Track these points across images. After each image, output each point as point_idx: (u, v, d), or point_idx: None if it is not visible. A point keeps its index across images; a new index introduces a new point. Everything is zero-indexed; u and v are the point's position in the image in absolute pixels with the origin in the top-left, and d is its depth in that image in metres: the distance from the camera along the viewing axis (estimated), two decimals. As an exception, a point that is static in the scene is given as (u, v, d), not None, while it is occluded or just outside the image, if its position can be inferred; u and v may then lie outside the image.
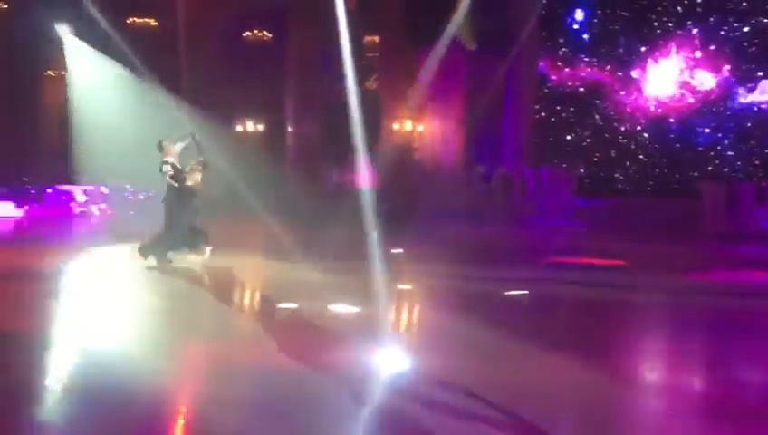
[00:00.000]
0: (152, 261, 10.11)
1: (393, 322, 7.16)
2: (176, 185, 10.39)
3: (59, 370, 5.45)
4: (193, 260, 10.51)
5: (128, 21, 18.69)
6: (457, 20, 19.37)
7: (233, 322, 7.52)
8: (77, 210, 19.25)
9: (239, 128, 21.10)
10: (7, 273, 9.70)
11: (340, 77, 19.40)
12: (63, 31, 19.71)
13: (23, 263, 10.58)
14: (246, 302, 8.81)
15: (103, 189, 19.49)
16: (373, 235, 11.57)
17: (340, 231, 11.95)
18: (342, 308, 7.28)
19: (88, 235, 16.23)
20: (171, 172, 10.34)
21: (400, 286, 8.76)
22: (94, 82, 19.98)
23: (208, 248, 10.56)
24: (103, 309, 7.66)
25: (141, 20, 19.38)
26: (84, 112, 19.60)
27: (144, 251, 10.30)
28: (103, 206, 19.49)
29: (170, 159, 10.30)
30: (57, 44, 20.16)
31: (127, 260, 10.76)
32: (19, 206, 18.81)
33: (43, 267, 10.04)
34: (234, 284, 9.50)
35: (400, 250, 11.71)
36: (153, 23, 19.76)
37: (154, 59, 18.04)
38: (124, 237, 12.74)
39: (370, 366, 5.36)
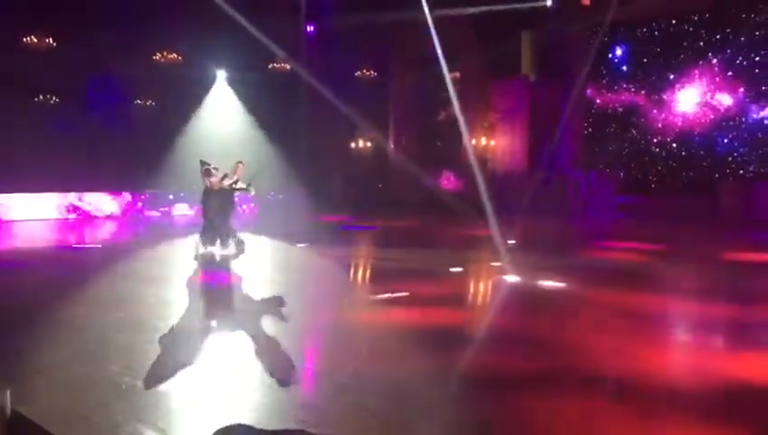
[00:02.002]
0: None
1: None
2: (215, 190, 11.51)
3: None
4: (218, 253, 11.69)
5: (269, 66, 24.26)
6: (522, 57, 24.22)
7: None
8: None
9: (353, 145, 26.09)
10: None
11: (431, 106, 24.57)
12: (220, 75, 25.31)
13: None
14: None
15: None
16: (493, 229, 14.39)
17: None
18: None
19: (254, 225, 19.06)
20: (230, 182, 11.58)
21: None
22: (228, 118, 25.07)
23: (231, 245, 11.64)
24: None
25: (279, 65, 24.86)
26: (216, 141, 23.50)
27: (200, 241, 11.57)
28: (252, 205, 24.21)
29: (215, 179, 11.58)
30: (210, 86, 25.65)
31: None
32: (191, 207, 24.09)
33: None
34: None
35: (513, 241, 13.90)
36: (287, 66, 25.24)
37: (285, 96, 23.46)
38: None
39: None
